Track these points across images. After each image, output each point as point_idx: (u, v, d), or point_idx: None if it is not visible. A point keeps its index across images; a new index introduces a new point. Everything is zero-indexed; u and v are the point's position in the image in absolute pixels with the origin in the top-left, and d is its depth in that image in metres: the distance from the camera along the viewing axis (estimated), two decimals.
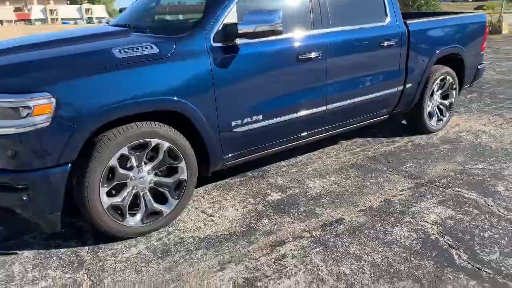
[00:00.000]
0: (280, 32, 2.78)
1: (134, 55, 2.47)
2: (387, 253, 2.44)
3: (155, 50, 2.55)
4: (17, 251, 2.53)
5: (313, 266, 2.33)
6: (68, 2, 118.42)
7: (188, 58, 2.64)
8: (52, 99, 2.17)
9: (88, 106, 2.27)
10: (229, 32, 2.76)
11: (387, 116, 4.24)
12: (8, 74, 2.27)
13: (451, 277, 2.22)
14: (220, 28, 2.77)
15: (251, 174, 3.59)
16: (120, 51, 2.46)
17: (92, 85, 2.30)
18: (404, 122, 4.87)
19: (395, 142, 4.36)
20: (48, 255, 2.48)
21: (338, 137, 4.33)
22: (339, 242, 2.56)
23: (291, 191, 3.25)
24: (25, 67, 2.32)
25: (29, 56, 2.47)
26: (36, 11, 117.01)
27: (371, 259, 2.39)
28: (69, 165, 2.30)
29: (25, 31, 36.70)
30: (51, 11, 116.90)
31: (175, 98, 2.56)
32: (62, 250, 2.54)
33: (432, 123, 4.59)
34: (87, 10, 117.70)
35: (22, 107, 2.14)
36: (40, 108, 2.16)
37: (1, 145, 2.21)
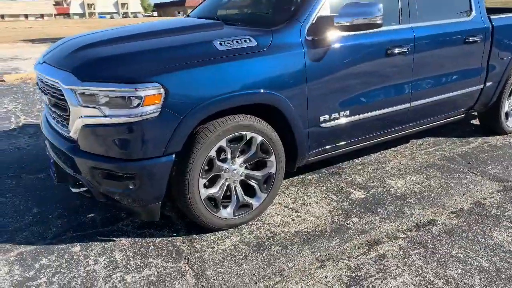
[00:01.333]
0: (379, 25, 2.70)
1: (235, 47, 2.46)
2: (492, 257, 2.33)
3: (254, 43, 2.53)
4: (114, 238, 2.58)
5: (417, 267, 2.26)
6: None
7: (284, 51, 2.61)
8: (162, 89, 2.19)
9: (195, 97, 2.27)
10: (323, 25, 2.71)
11: (464, 115, 4.08)
12: (119, 64, 2.30)
13: None
14: (314, 21, 2.72)
15: (326, 171, 3.54)
16: (221, 44, 2.45)
17: (198, 76, 2.30)
18: (474, 122, 4.68)
19: (469, 143, 4.19)
20: (145, 244, 2.52)
21: (409, 136, 4.21)
22: (438, 244, 2.47)
23: (374, 190, 3.18)
24: (135, 57, 2.34)
25: (136, 47, 2.49)
26: (75, 5, 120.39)
27: (478, 263, 2.29)
28: (174, 155, 2.31)
29: (77, 25, 37.93)
30: (89, 5, 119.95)
31: (273, 91, 2.53)
32: (157, 239, 2.57)
33: (509, 124, 4.39)
34: (123, 5, 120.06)
35: (133, 97, 2.16)
36: (151, 98, 2.18)
37: (110, 134, 2.24)
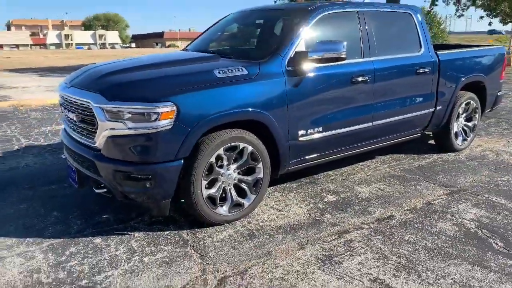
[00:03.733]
0: (344, 59, 3.40)
1: (230, 75, 3.09)
2: (436, 240, 2.95)
3: (245, 71, 3.17)
4: (129, 232, 3.07)
5: (377, 248, 2.85)
6: (83, 28, 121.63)
7: (269, 78, 3.26)
8: (174, 107, 2.77)
9: (200, 114, 2.87)
10: (300, 58, 3.37)
11: (419, 134, 4.80)
12: (140, 87, 2.89)
13: (492, 257, 2.72)
14: (292, 55, 3.39)
15: (304, 181, 4.14)
16: (219, 72, 3.08)
17: (202, 97, 2.91)
18: (432, 142, 5.42)
19: (425, 158, 4.90)
20: (155, 236, 3.02)
21: (374, 153, 4.89)
22: (394, 232, 3.08)
23: (344, 195, 3.79)
24: (152, 81, 2.94)
25: (151, 74, 3.09)
26: (51, 36, 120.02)
27: (424, 244, 2.90)
28: (182, 160, 2.87)
29: (56, 55, 38.09)
30: (66, 36, 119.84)
31: (261, 110, 3.15)
32: (166, 232, 3.08)
33: (458, 142, 5.14)
34: (101, 36, 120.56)
35: (152, 113, 2.73)
36: (165, 114, 2.76)
37: (132, 143, 2.79)
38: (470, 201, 3.64)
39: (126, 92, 2.86)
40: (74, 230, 3.11)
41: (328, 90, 3.62)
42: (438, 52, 4.63)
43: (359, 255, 2.75)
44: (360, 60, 3.89)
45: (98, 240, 2.96)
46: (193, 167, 2.91)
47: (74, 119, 3.15)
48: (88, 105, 2.90)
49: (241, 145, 3.14)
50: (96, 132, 2.90)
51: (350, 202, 3.62)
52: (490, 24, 22.52)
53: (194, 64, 3.35)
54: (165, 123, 2.76)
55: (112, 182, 2.89)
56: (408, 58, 4.32)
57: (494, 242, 2.93)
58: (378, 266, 2.62)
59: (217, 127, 2.99)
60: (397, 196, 3.77)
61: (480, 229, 3.13)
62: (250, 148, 3.19)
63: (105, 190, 3.01)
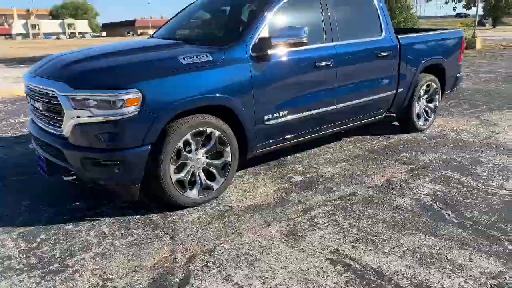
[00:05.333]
0: (305, 44, 3.52)
1: (195, 61, 3.16)
2: (393, 214, 3.15)
3: (210, 58, 3.25)
4: (99, 218, 3.14)
5: (338, 222, 3.02)
6: (50, 17, 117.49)
7: (234, 64, 3.35)
8: (140, 94, 2.84)
9: (165, 100, 2.94)
10: (263, 44, 3.47)
11: (383, 116, 5.00)
12: (105, 74, 2.94)
13: (443, 227, 2.94)
14: (256, 41, 3.48)
15: (273, 163, 4.28)
16: (184, 58, 3.15)
17: (167, 84, 2.98)
18: (395, 123, 5.65)
19: (389, 139, 5.12)
20: (126, 220, 3.11)
21: (341, 135, 5.07)
22: (355, 208, 3.26)
23: (310, 175, 3.96)
24: (118, 69, 2.99)
25: (117, 61, 3.14)
26: (17, 25, 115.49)
27: (382, 218, 3.09)
28: (150, 146, 2.95)
29: (23, 45, 36.83)
30: (33, 25, 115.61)
31: (226, 96, 3.25)
32: (136, 216, 3.17)
33: (420, 123, 5.38)
34: (70, 25, 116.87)
35: (117, 100, 2.79)
36: (131, 101, 2.82)
37: (99, 130, 2.85)
38: (428, 177, 3.87)
39: (91, 79, 2.90)
40: (45, 218, 3.15)
41: (292, 75, 3.74)
42: (399, 36, 4.81)
43: (321, 230, 2.92)
44: (323, 45, 4.02)
45: (69, 226, 3.02)
46: (161, 153, 2.99)
47: (40, 108, 3.17)
48: (54, 94, 2.93)
49: (209, 130, 3.23)
50: (62, 121, 2.94)
51: (315, 182, 3.78)
52: (454, 9, 23.12)
53: (159, 51, 3.40)
54: (130, 110, 2.82)
55: (81, 169, 2.95)
56: (369, 42, 4.48)
57: (447, 213, 3.15)
58: (339, 239, 2.79)
59: (184, 113, 3.07)
60: (360, 174, 3.96)
61: (435, 202, 3.35)
62: (217, 133, 3.29)
63: (74, 177, 3.06)
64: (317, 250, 2.67)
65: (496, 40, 23.28)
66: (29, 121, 3.59)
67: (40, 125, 3.29)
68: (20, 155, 4.69)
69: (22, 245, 2.78)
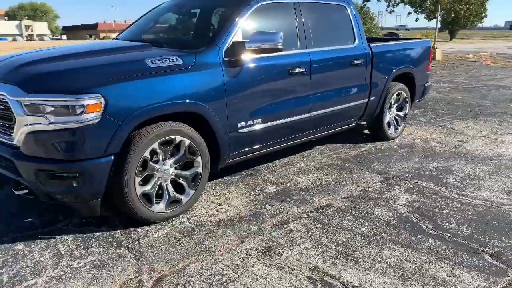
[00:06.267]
0: (280, 50, 3.37)
1: (164, 65, 2.94)
2: (371, 226, 3.04)
3: (180, 61, 3.03)
4: (56, 236, 2.84)
5: (316, 236, 2.87)
6: (6, 18, 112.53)
7: (206, 69, 3.15)
8: (102, 99, 2.58)
9: (130, 106, 2.70)
10: (237, 48, 3.30)
11: (354, 124, 4.94)
12: (63, 77, 2.66)
13: (422, 240, 2.85)
14: (229, 45, 3.31)
15: (245, 173, 4.10)
16: (152, 62, 2.92)
17: (133, 88, 2.73)
18: (366, 131, 5.62)
19: (361, 147, 5.07)
20: (86, 238, 2.82)
21: (313, 143, 4.97)
22: (332, 220, 3.12)
23: (284, 185, 3.80)
24: (78, 71, 2.71)
25: (77, 63, 2.85)
26: None
27: (360, 230, 2.97)
28: (112, 156, 2.69)
29: None
30: None
31: (197, 101, 3.04)
32: (97, 233, 2.88)
33: (391, 131, 5.37)
34: (28, 27, 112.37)
35: (77, 105, 2.52)
36: (92, 107, 2.56)
37: (55, 139, 2.56)
38: (402, 187, 3.81)
39: (47, 83, 2.62)
40: None
41: (266, 81, 3.59)
42: (371, 44, 4.78)
43: (299, 245, 2.76)
44: (297, 51, 3.90)
45: (19, 246, 2.70)
46: (125, 163, 2.74)
47: None
48: (3, 98, 2.62)
49: (178, 138, 3.01)
50: (13, 128, 2.63)
51: (290, 192, 3.63)
52: (417, 20, 24.02)
53: (124, 53, 3.15)
54: (91, 117, 2.56)
55: (35, 183, 2.64)
56: (343, 50, 4.41)
57: (424, 225, 3.07)
58: (317, 255, 2.64)
59: (151, 120, 2.84)
60: (334, 184, 3.85)
61: (411, 213, 3.27)
62: (187, 142, 3.07)
63: (26, 191, 2.75)
64: (295, 267, 2.50)
65: (454, 52, 24.28)
66: None
67: None
68: None
69: None
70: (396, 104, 5.38)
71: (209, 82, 3.15)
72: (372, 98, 4.88)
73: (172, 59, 3.01)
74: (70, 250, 2.66)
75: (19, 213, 3.15)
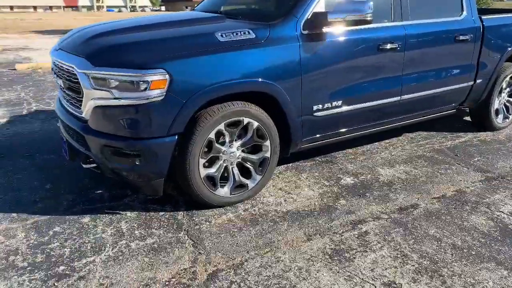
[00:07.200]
0: (369, 22, 2.91)
1: (234, 39, 2.68)
2: (466, 237, 2.54)
3: (252, 35, 2.74)
4: (120, 212, 2.82)
5: (395, 243, 2.47)
6: None
7: (280, 43, 2.82)
8: (167, 75, 2.41)
9: (197, 84, 2.50)
10: (318, 20, 2.91)
11: (454, 110, 4.27)
12: (128, 51, 2.54)
13: None
14: (309, 17, 2.93)
15: (320, 159, 3.75)
16: (222, 35, 2.67)
17: (200, 65, 2.52)
18: (467, 118, 4.87)
19: (459, 137, 4.39)
20: (148, 217, 2.75)
21: (402, 129, 4.42)
22: (417, 225, 2.68)
23: (363, 177, 3.39)
24: (143, 45, 2.57)
25: (143, 36, 2.72)
26: None
27: (451, 241, 2.50)
28: (176, 136, 2.54)
29: (86, 18, 38.22)
30: None
31: (268, 81, 2.75)
32: (160, 213, 2.80)
33: (498, 120, 4.57)
34: None
35: (141, 81, 2.38)
36: (156, 83, 2.40)
37: (119, 115, 2.47)
38: (509, 190, 3.18)
39: (114, 56, 2.52)
40: (64, 206, 2.88)
41: (350, 58, 3.15)
42: (483, 17, 4.01)
43: (374, 252, 2.39)
44: (390, 24, 3.37)
45: (86, 219, 2.72)
46: (189, 144, 2.58)
47: (62, 85, 2.86)
48: (73, 71, 2.58)
49: (246, 120, 2.77)
50: (82, 101, 2.59)
51: (369, 186, 3.22)
52: None
53: (194, 26, 2.93)
54: (156, 94, 2.41)
55: (101, 158, 2.61)
56: (446, 23, 3.75)
57: None
58: (395, 267, 2.26)
59: (218, 99, 2.62)
60: (424, 180, 3.34)
61: None
62: (255, 124, 2.81)
63: (94, 165, 2.74)
64: (367, 279, 2.15)
65: None
66: (56, 99, 3.31)
67: (64, 104, 2.99)
68: (56, 131, 4.50)
69: (32, 238, 2.50)
70: (508, 89, 4.54)
71: (283, 59, 2.82)
72: (478, 81, 4.15)
73: (244, 33, 2.73)
74: (131, 229, 2.61)
75: (92, 184, 3.20)
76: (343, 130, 3.35)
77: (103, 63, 2.46)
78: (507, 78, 4.42)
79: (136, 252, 2.37)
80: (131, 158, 2.52)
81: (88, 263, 2.27)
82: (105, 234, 2.55)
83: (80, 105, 2.63)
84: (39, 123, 4.81)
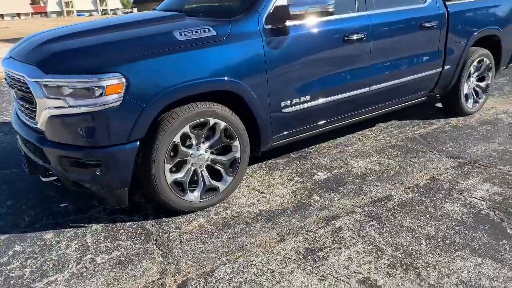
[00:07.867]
0: (332, 13, 2.85)
1: (194, 37, 2.58)
2: (440, 226, 2.52)
3: (213, 32, 2.65)
4: (86, 225, 2.69)
5: (370, 237, 2.43)
6: None
7: (243, 40, 2.73)
8: (123, 79, 2.30)
9: (155, 86, 2.39)
10: (280, 14, 2.84)
11: (425, 98, 4.27)
12: (81, 56, 2.40)
13: (507, 247, 2.29)
14: (271, 11, 2.85)
15: (293, 155, 3.69)
16: (180, 34, 2.57)
17: (158, 66, 2.41)
18: (439, 105, 4.90)
19: (432, 124, 4.40)
20: (115, 228, 2.64)
21: (374, 120, 4.40)
22: (391, 217, 2.65)
23: (336, 171, 3.35)
24: (97, 49, 2.44)
25: (97, 39, 2.58)
26: (52, 3, 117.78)
27: (426, 232, 2.47)
28: (138, 142, 2.43)
29: (55, 23, 37.30)
30: (67, 3, 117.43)
31: (233, 79, 2.66)
32: (127, 223, 2.69)
33: (469, 105, 4.60)
34: (102, 1, 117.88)
35: (96, 87, 2.26)
36: (112, 88, 2.28)
37: (76, 123, 2.34)
38: (481, 175, 3.18)
39: (66, 62, 2.38)
40: (25, 223, 2.73)
41: (315, 51, 3.09)
42: (447, 3, 4.01)
43: (348, 248, 2.34)
44: (354, 14, 3.32)
45: (49, 235, 2.58)
46: (152, 150, 2.47)
47: (15, 96, 2.70)
48: (24, 80, 2.44)
49: (212, 120, 2.68)
50: (36, 112, 2.45)
51: (342, 180, 3.18)
52: None
53: (151, 26, 2.81)
54: (112, 99, 2.29)
55: (60, 170, 2.47)
56: (411, 11, 3.73)
57: (510, 227, 2.49)
58: (370, 262, 2.21)
59: (179, 101, 2.52)
60: (397, 170, 3.32)
61: (492, 210, 2.68)
62: (223, 124, 2.73)
63: (54, 178, 2.60)
64: (341, 278, 2.10)
65: None
66: (13, 112, 3.14)
67: (19, 115, 2.84)
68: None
69: None
70: (476, 73, 4.57)
71: (247, 56, 2.74)
72: (446, 67, 4.16)
73: (204, 30, 2.63)
74: (97, 242, 2.49)
75: (56, 197, 3.06)
76: (314, 125, 3.30)
77: (55, 70, 2.32)
78: (475, 63, 4.44)
79: (101, 266, 2.26)
80: (91, 168, 2.40)
81: (49, 283, 2.14)
82: (69, 250, 2.42)
83: (35, 115, 2.48)
84: (1, 135, 4.60)
